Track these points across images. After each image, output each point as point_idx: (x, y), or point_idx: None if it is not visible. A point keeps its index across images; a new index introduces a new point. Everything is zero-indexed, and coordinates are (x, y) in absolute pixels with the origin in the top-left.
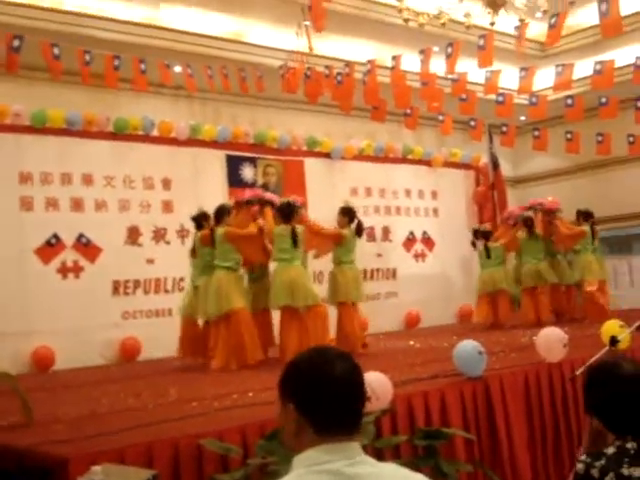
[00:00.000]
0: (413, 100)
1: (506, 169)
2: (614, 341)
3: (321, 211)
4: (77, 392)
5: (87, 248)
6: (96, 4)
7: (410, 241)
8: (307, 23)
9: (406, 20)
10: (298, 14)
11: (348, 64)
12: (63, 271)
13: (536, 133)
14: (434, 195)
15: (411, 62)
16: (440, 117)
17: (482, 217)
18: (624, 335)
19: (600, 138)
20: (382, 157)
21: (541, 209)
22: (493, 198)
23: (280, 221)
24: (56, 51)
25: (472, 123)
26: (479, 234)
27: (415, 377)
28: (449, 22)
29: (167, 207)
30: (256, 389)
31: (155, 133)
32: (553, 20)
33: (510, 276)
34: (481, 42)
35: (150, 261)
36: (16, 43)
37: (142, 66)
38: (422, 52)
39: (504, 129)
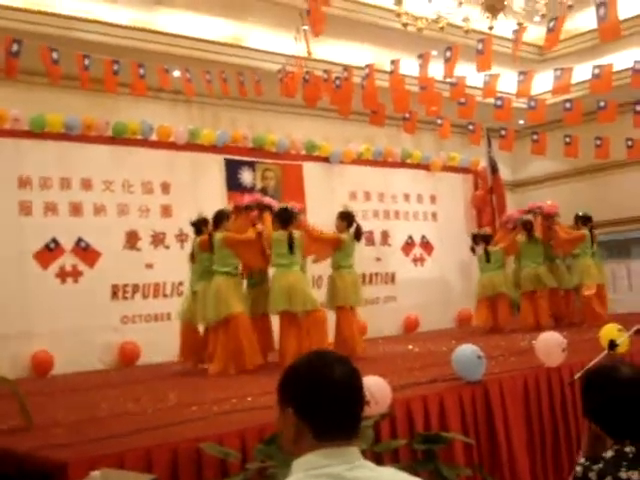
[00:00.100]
0: (412, 104)
1: (505, 173)
2: (613, 345)
3: (320, 215)
4: (76, 396)
5: (86, 253)
6: (95, 9)
7: (409, 245)
8: (305, 27)
9: (405, 24)
10: (296, 18)
11: (347, 68)
12: (62, 275)
13: (535, 137)
14: (433, 199)
15: (410, 66)
16: (439, 121)
17: (481, 221)
18: (623, 339)
19: (599, 142)
20: (381, 161)
21: (540, 213)
22: (492, 202)
23: (278, 226)
24: (55, 56)
25: (471, 127)
26: (479, 239)
27: (414, 381)
28: (448, 26)
29: (166, 211)
30: (255, 393)
31: (154, 137)
32: (551, 24)
33: (509, 280)
34: (480, 46)
35: (149, 266)
36: (15, 48)
37: (141, 71)
38: (421, 56)
39: (503, 133)
